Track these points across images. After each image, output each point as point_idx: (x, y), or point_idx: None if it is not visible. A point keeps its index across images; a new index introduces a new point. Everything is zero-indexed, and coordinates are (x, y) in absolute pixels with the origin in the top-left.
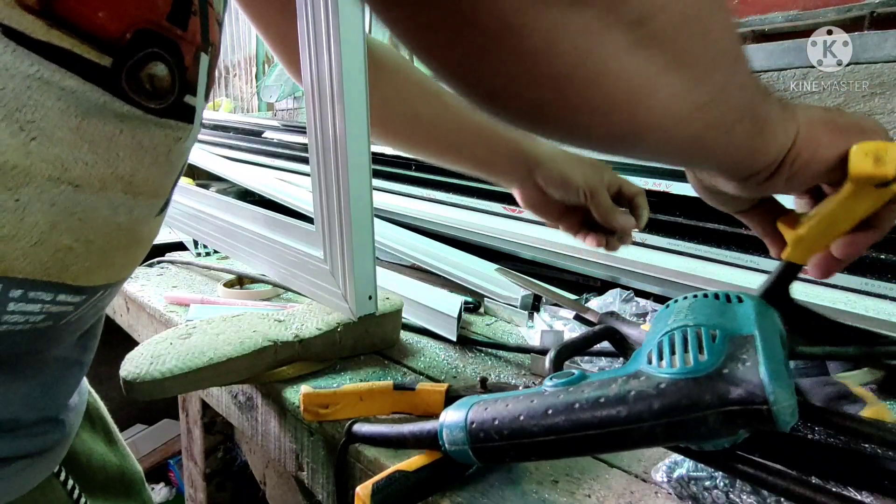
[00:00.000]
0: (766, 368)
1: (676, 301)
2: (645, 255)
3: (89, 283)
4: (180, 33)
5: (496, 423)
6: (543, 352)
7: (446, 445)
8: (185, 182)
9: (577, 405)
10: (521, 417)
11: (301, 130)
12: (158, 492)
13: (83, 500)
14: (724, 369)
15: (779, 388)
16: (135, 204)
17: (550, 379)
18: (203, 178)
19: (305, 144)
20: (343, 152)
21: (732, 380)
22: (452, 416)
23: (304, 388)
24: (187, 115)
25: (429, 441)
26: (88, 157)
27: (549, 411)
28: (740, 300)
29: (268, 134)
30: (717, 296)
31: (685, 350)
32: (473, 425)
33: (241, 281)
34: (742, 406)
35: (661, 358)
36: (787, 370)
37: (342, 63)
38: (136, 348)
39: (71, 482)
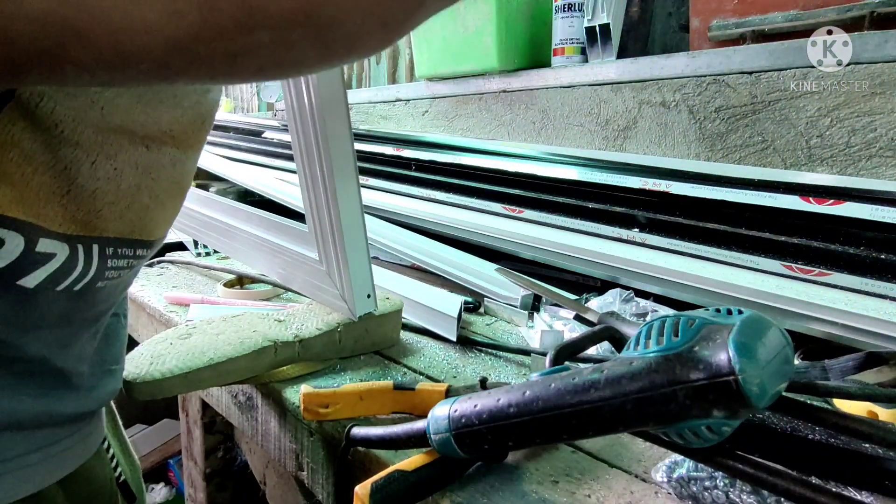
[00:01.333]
0: (736, 343)
1: None
2: (645, 255)
3: (156, 237)
4: None
5: (477, 408)
6: (544, 353)
7: (432, 436)
8: None
9: (552, 386)
10: (500, 401)
11: None
12: (158, 492)
13: (119, 469)
14: (696, 347)
15: (746, 360)
16: (185, 157)
17: (539, 374)
18: (203, 178)
19: None
20: (326, 151)
21: (702, 355)
22: (440, 410)
23: (304, 387)
24: None
25: (419, 437)
26: (141, 118)
27: (526, 393)
28: (741, 312)
29: (268, 134)
30: (718, 309)
31: (661, 334)
32: (456, 412)
33: (241, 281)
34: (710, 380)
35: (638, 344)
36: (770, 356)
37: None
38: (136, 348)
39: (112, 451)
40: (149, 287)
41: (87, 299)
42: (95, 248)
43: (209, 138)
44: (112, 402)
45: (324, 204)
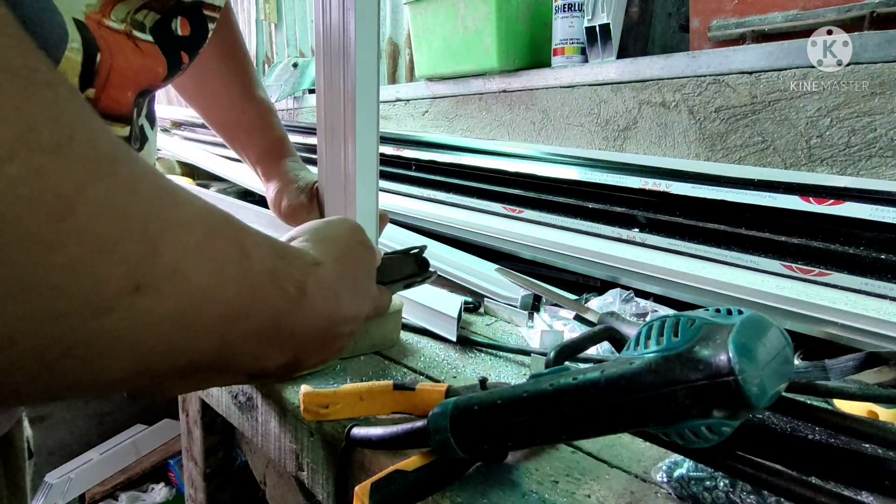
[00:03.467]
0: (735, 343)
1: None
2: (645, 255)
3: None
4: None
5: (476, 408)
6: (544, 353)
7: (432, 436)
8: (185, 182)
9: (552, 386)
10: (500, 401)
11: (301, 130)
12: (158, 492)
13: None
14: (695, 347)
15: (746, 360)
16: None
17: (539, 374)
18: (203, 178)
19: (305, 144)
20: (353, 150)
21: (701, 355)
22: (440, 410)
23: (304, 387)
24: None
25: (419, 437)
26: None
27: (526, 393)
28: (741, 312)
29: None
30: (718, 309)
31: (660, 334)
32: (456, 412)
33: None
34: (709, 380)
35: (638, 344)
36: (770, 356)
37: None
38: None
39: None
40: None
41: None
42: None
43: (210, 138)
44: None
45: (342, 203)
